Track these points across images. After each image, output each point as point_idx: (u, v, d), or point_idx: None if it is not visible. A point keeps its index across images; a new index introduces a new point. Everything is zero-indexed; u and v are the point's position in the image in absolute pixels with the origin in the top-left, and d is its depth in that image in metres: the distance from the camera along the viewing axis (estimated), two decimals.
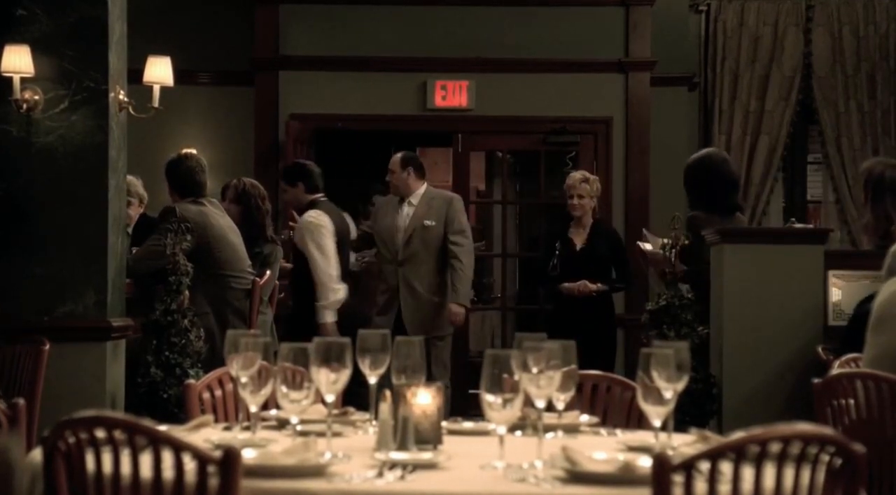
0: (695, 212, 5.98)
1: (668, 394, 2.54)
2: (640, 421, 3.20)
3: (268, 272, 6.41)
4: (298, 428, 2.73)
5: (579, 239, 7.21)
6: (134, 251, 6.01)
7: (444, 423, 2.87)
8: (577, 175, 7.31)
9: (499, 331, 9.71)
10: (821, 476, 2.29)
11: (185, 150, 7.18)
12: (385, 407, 2.73)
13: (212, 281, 5.93)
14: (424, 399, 2.74)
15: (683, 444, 2.71)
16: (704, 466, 2.21)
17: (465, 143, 9.12)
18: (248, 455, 2.45)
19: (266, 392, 2.76)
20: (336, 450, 2.56)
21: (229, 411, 3.43)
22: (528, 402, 2.59)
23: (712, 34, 9.46)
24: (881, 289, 3.83)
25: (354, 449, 2.67)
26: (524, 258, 10.62)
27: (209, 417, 3.12)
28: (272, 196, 8.60)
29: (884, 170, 5.16)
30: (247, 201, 6.57)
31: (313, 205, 6.80)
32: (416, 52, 8.96)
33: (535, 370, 2.58)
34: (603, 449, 2.70)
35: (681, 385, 2.55)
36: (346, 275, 6.85)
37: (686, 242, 5.81)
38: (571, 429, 3.09)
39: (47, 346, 4.93)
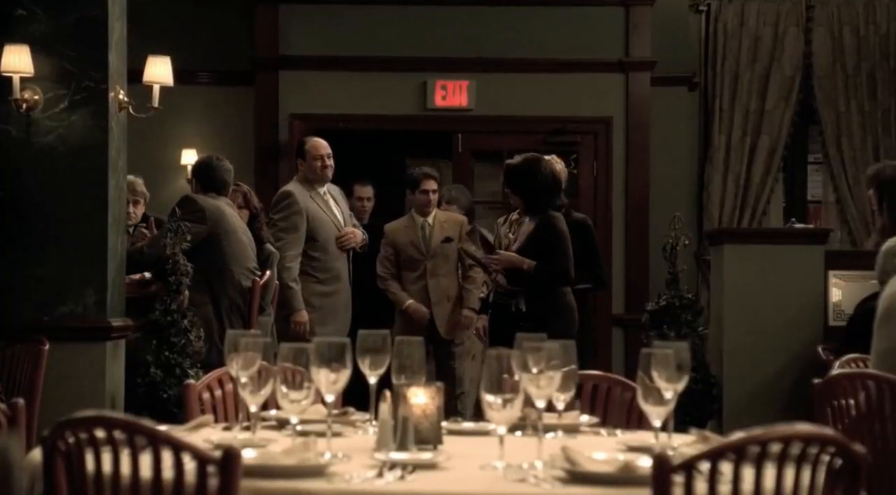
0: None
1: (668, 394, 2.53)
2: (640, 421, 3.20)
3: (268, 272, 6.42)
4: (298, 428, 2.73)
5: None
6: (144, 242, 6.06)
7: (444, 423, 2.87)
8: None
9: None
10: (821, 476, 2.29)
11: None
12: (385, 407, 2.73)
13: (216, 271, 6.01)
14: (424, 399, 2.74)
15: (683, 444, 2.71)
16: (704, 466, 2.21)
17: (465, 143, 9.11)
18: (248, 455, 2.44)
19: (266, 392, 2.76)
20: (336, 450, 2.56)
21: (229, 411, 3.42)
22: (528, 402, 2.59)
23: (712, 34, 9.45)
24: (888, 284, 3.82)
25: (354, 449, 2.66)
26: None
27: (209, 417, 3.12)
28: (271, 196, 8.59)
29: (894, 172, 5.15)
30: (247, 205, 6.61)
31: None
32: (416, 52, 8.96)
33: (535, 370, 2.58)
34: (603, 449, 2.70)
35: (681, 385, 2.55)
36: None
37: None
38: (571, 429, 3.09)
39: (47, 346, 4.93)
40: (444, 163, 9.66)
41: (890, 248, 4.74)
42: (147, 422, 2.35)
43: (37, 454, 2.49)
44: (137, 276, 6.10)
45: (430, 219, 6.97)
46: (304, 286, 6.58)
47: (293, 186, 6.83)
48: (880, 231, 4.91)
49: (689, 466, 2.19)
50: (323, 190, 6.82)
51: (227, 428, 3.05)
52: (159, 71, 5.80)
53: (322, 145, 6.83)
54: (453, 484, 2.39)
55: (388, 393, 2.76)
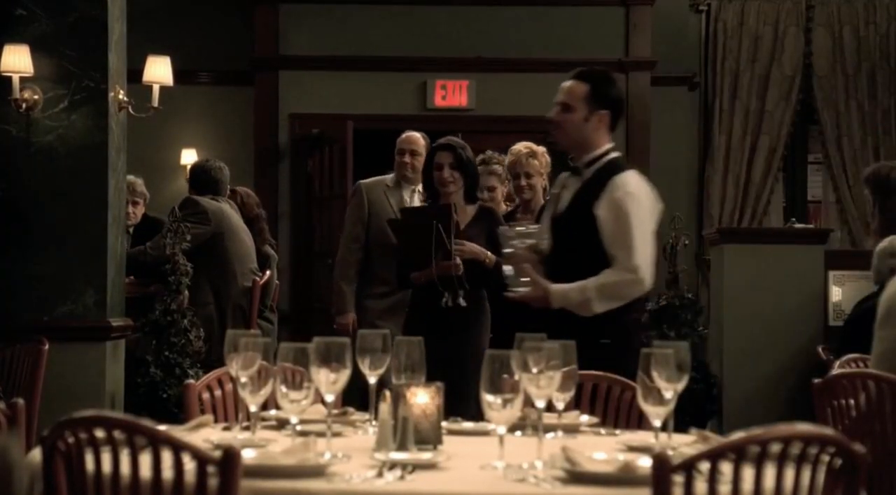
0: None
1: (668, 394, 2.53)
2: (641, 421, 3.20)
3: (268, 272, 6.44)
4: (298, 428, 2.73)
5: None
6: (148, 244, 6.08)
7: (444, 423, 2.86)
8: (520, 148, 5.95)
9: None
10: (821, 476, 2.29)
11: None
12: (385, 407, 2.72)
13: (218, 271, 6.03)
14: (424, 399, 2.74)
15: (683, 444, 2.71)
16: (704, 466, 2.21)
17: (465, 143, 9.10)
18: (248, 455, 2.44)
19: (266, 392, 2.76)
20: (336, 450, 2.56)
21: (229, 411, 3.42)
22: (528, 402, 2.59)
23: (712, 34, 9.46)
24: (888, 285, 3.82)
25: (354, 449, 2.66)
26: None
27: (209, 417, 3.12)
28: (273, 196, 8.60)
29: (890, 172, 5.15)
30: (243, 210, 6.57)
31: None
32: (416, 52, 8.96)
33: (535, 370, 2.57)
34: (603, 449, 2.70)
35: (681, 385, 2.55)
36: None
37: None
38: (571, 429, 3.09)
39: (47, 346, 4.92)
40: None
41: (883, 249, 4.75)
42: (147, 422, 2.34)
43: (37, 454, 2.49)
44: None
45: None
46: (357, 289, 5.81)
47: (370, 179, 6.00)
48: (875, 231, 4.91)
49: (689, 466, 2.19)
50: (414, 188, 5.90)
51: (226, 428, 3.05)
52: (159, 71, 5.81)
53: (404, 139, 6.02)
54: (453, 484, 2.38)
55: (387, 393, 2.76)
